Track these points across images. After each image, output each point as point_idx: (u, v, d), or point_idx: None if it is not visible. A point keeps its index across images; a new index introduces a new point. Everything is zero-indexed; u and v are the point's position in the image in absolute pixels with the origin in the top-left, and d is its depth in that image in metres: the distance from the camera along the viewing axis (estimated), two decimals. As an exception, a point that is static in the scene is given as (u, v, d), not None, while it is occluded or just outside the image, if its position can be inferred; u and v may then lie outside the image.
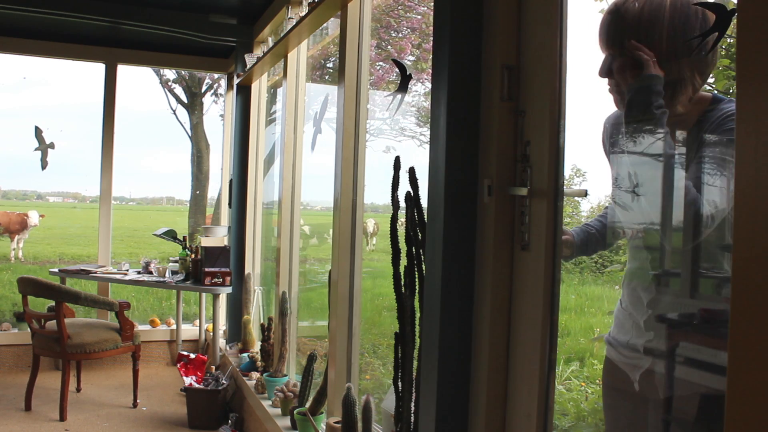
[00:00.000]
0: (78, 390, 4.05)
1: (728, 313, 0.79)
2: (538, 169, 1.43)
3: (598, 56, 1.48)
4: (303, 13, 2.96)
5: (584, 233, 1.55)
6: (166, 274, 4.49)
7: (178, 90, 11.03)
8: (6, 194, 25.91)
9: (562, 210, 1.43)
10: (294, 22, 3.11)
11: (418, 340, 1.75)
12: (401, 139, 7.28)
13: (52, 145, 5.16)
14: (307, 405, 2.72)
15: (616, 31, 1.26)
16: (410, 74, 2.11)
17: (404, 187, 1.89)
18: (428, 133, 1.65)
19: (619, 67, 1.26)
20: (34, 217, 11.75)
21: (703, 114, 1.23)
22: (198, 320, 4.95)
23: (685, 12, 1.20)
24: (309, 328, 4.59)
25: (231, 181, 4.50)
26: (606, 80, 1.35)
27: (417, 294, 1.85)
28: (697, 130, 1.24)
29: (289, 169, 3.50)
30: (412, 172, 1.86)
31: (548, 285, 1.40)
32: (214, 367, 4.00)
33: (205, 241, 4.59)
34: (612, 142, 1.41)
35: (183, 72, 10.56)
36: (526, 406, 1.45)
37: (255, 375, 3.48)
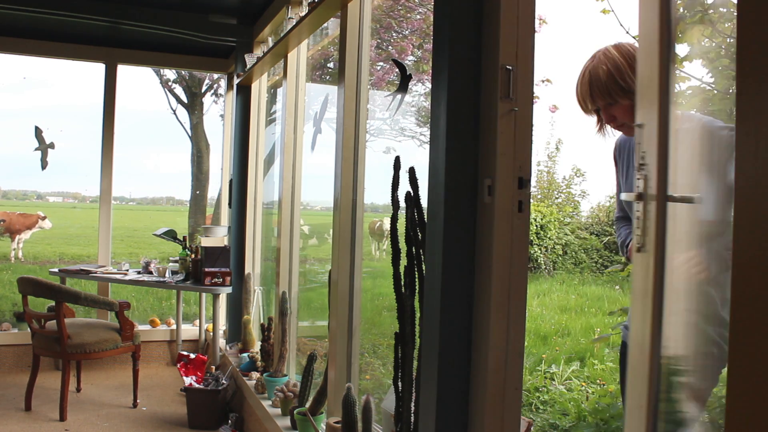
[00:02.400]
0: (78, 390, 4.05)
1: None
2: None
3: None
4: (303, 13, 2.96)
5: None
6: (166, 274, 4.49)
7: (178, 90, 11.02)
8: (6, 194, 25.89)
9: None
10: (294, 22, 3.11)
11: (418, 340, 1.75)
12: (401, 139, 7.29)
13: (52, 145, 5.16)
14: (307, 405, 2.72)
15: (600, 90, 1.64)
16: (410, 74, 2.12)
17: (404, 187, 1.89)
18: (428, 133, 1.65)
19: (611, 116, 1.66)
20: (47, 222, 11.79)
21: None
22: (198, 320, 4.95)
23: (629, 62, 1.63)
24: (309, 328, 4.59)
25: (231, 181, 4.51)
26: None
27: (417, 294, 1.85)
28: None
29: (289, 169, 3.50)
30: (412, 172, 1.86)
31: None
32: (214, 367, 4.00)
33: (205, 241, 4.59)
34: (620, 157, 1.81)
35: (183, 72, 10.56)
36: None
37: (255, 375, 3.48)
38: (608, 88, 1.61)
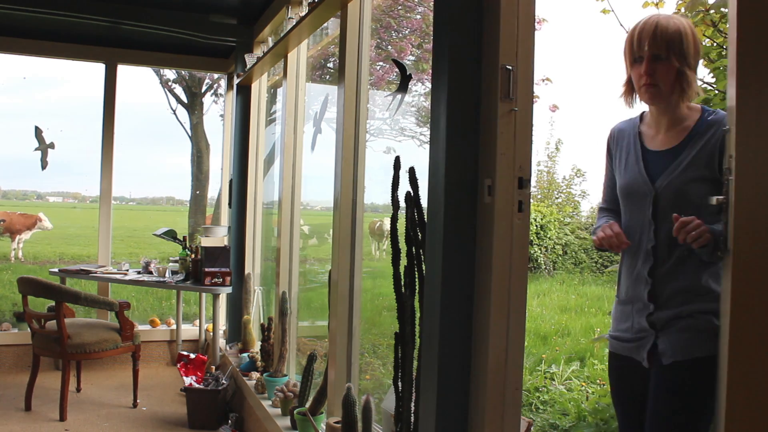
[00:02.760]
0: (78, 390, 4.05)
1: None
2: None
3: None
4: (303, 13, 2.96)
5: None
6: (166, 274, 4.49)
7: (178, 90, 11.02)
8: (6, 194, 25.89)
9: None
10: (294, 22, 3.11)
11: (418, 340, 1.75)
12: (401, 139, 7.29)
13: (52, 145, 5.16)
14: (307, 405, 2.72)
15: (663, 38, 1.59)
16: (410, 74, 2.12)
17: (404, 187, 1.89)
18: (428, 133, 1.65)
19: (652, 69, 1.60)
20: (47, 222, 11.78)
21: (700, 120, 1.61)
22: (198, 320, 4.95)
23: (694, 35, 1.62)
24: (309, 328, 4.59)
25: (231, 181, 4.51)
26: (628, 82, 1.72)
27: (417, 294, 1.85)
28: (696, 131, 1.60)
29: (289, 169, 3.50)
30: (412, 172, 1.86)
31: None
32: (214, 367, 4.00)
33: (205, 241, 4.59)
34: (617, 146, 1.77)
35: (183, 72, 10.55)
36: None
37: (255, 375, 3.48)
38: (670, 40, 1.57)
